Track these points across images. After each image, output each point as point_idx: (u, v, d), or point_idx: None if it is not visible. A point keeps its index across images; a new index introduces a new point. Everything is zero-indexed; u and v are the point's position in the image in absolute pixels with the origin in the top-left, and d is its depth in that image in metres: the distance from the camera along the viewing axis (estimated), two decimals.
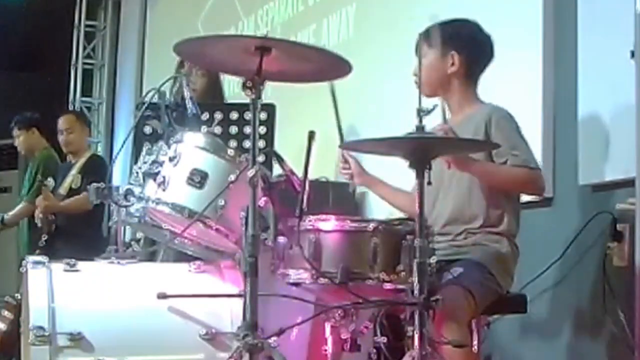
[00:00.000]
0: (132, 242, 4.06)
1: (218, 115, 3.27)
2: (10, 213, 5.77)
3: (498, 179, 2.87)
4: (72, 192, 5.36)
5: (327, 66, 2.48)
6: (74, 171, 5.46)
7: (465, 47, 2.98)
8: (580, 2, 3.42)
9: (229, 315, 2.62)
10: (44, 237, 5.25)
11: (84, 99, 8.43)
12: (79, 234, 5.25)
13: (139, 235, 3.96)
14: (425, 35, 2.96)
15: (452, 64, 2.97)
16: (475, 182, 2.89)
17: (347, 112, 4.73)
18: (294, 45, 2.41)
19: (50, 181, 5.26)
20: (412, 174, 2.38)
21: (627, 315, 3.04)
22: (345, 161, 3.13)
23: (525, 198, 3.45)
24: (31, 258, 2.68)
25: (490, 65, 3.05)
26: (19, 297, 3.76)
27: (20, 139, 6.02)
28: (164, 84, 2.93)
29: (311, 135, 2.47)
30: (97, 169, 5.38)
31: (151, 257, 3.50)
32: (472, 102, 3.01)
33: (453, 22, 3.03)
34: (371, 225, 2.45)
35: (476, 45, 3.01)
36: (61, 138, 5.64)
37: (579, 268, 3.40)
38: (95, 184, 2.70)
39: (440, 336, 2.45)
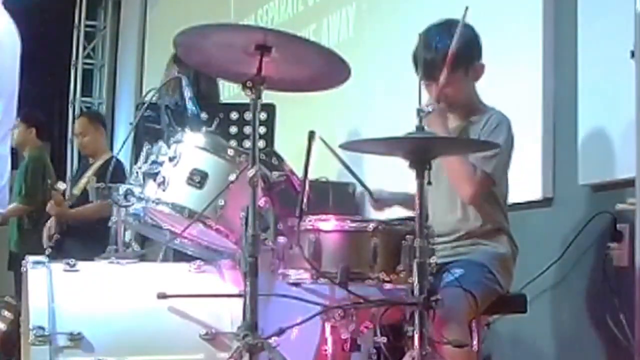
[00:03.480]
0: (132, 242, 4.07)
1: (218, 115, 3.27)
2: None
3: (450, 162, 2.80)
4: (86, 193, 5.37)
5: (327, 71, 2.44)
6: (89, 172, 5.48)
7: (478, 48, 2.93)
8: (580, 2, 3.42)
9: (229, 315, 2.62)
10: (56, 237, 5.27)
11: (84, 99, 8.43)
12: (91, 232, 5.25)
13: (129, 237, 3.96)
14: (439, 63, 2.77)
15: (477, 72, 2.92)
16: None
17: (347, 113, 4.77)
18: (296, 40, 2.38)
19: (60, 184, 5.27)
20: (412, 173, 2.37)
21: (627, 315, 3.04)
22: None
23: (525, 198, 3.46)
24: (31, 258, 2.68)
25: None
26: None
27: (16, 131, 6.01)
28: (164, 84, 2.93)
29: (311, 135, 2.47)
30: (112, 172, 5.37)
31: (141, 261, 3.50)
32: (478, 101, 2.98)
33: (444, 32, 2.83)
34: (371, 225, 2.44)
35: (477, 39, 2.95)
36: (76, 141, 5.65)
37: (579, 268, 3.40)
38: (95, 184, 2.71)
39: (440, 336, 2.44)
